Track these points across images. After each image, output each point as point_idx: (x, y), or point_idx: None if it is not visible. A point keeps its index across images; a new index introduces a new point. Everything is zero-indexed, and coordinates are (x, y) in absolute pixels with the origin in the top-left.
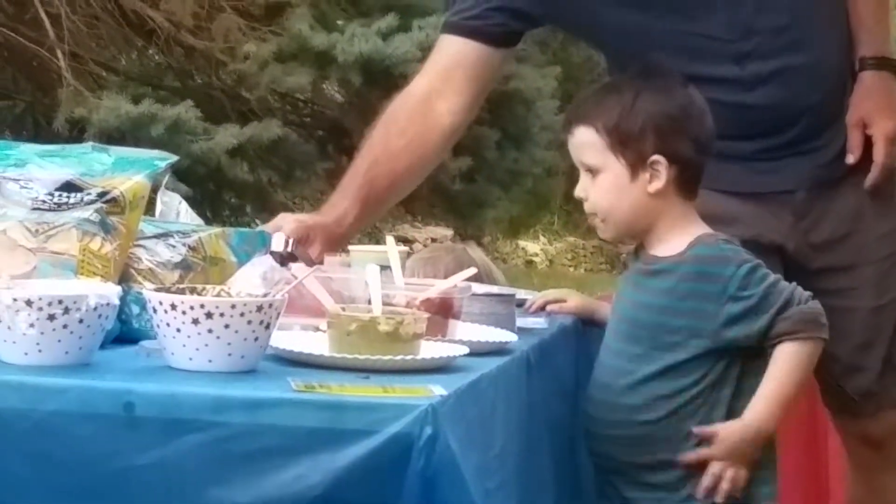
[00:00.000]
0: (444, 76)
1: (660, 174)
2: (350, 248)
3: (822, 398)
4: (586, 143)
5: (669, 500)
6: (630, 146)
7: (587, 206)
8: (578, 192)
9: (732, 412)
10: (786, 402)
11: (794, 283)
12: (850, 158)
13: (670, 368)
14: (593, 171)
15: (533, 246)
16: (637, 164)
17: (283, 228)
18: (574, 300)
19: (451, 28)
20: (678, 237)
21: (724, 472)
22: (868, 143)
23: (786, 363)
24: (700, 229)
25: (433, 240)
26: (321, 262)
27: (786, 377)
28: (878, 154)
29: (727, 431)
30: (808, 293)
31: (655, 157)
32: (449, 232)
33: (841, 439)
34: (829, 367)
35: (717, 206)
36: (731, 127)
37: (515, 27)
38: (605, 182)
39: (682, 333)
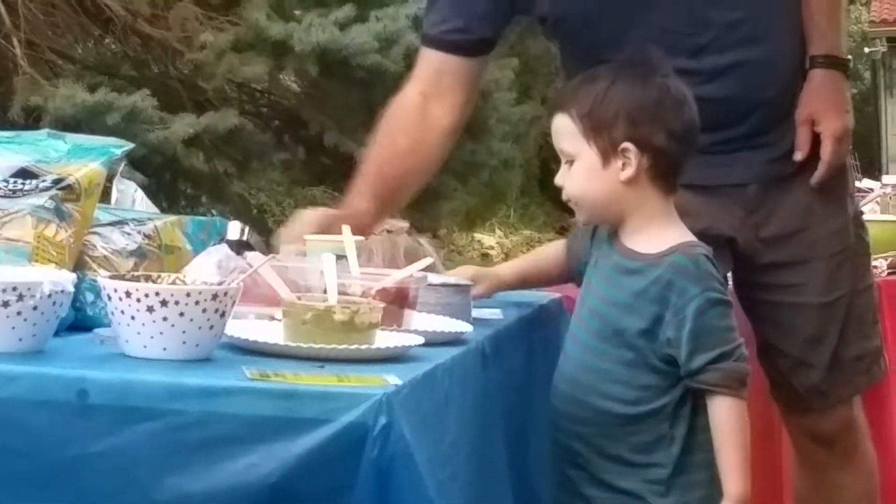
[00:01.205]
0: (434, 82)
1: (631, 162)
2: (306, 237)
3: (771, 394)
4: (562, 129)
5: None
6: (602, 133)
7: (564, 194)
8: (557, 179)
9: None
10: (748, 461)
11: (741, 340)
12: (798, 155)
13: (634, 367)
14: (569, 159)
15: (489, 238)
16: (608, 151)
17: (308, 220)
18: (478, 289)
19: (430, 42)
20: (656, 233)
21: None
22: (816, 141)
23: (731, 424)
24: (681, 233)
25: (388, 231)
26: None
27: (738, 440)
28: (825, 152)
29: None
30: (746, 353)
31: (626, 144)
32: (405, 224)
33: (790, 436)
34: (777, 363)
35: (677, 198)
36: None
37: (488, 34)
38: (579, 169)
39: (641, 335)
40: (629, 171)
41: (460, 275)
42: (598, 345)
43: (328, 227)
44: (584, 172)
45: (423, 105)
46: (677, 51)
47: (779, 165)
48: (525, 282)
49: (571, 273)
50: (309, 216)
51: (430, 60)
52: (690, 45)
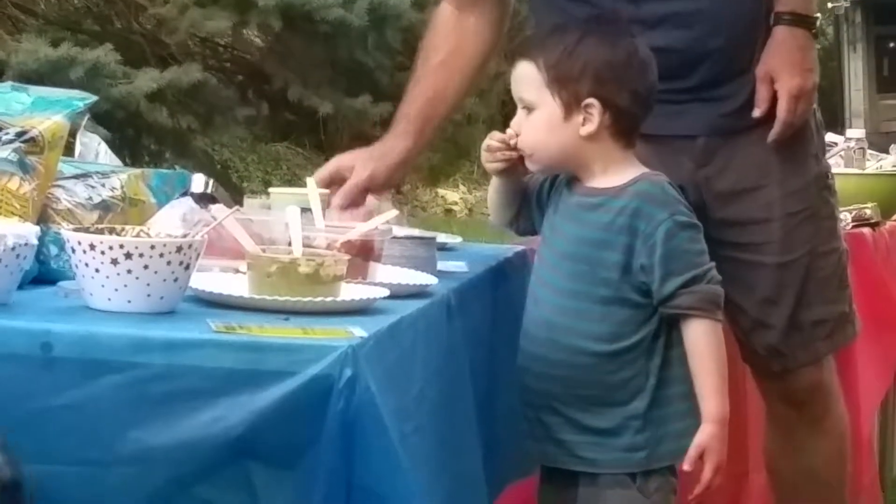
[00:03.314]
0: None
1: (593, 118)
2: (271, 190)
3: (740, 353)
4: (526, 77)
5: (604, 446)
6: (567, 86)
7: (518, 142)
8: (512, 125)
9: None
10: (725, 383)
11: (712, 263)
12: (756, 112)
13: (610, 304)
14: (529, 107)
15: (452, 194)
16: (571, 105)
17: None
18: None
19: None
20: (616, 174)
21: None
22: (776, 98)
23: (707, 347)
24: (641, 168)
25: None
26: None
27: (715, 363)
28: (781, 110)
29: (706, 440)
30: (719, 276)
31: (590, 100)
32: None
33: (763, 397)
34: (738, 320)
35: None
36: None
37: None
38: (539, 118)
39: (615, 269)
40: (590, 127)
41: None
42: (573, 285)
43: (366, 171)
44: (543, 123)
45: (457, 16)
46: None
47: (732, 120)
48: None
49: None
50: (344, 160)
51: None
52: None
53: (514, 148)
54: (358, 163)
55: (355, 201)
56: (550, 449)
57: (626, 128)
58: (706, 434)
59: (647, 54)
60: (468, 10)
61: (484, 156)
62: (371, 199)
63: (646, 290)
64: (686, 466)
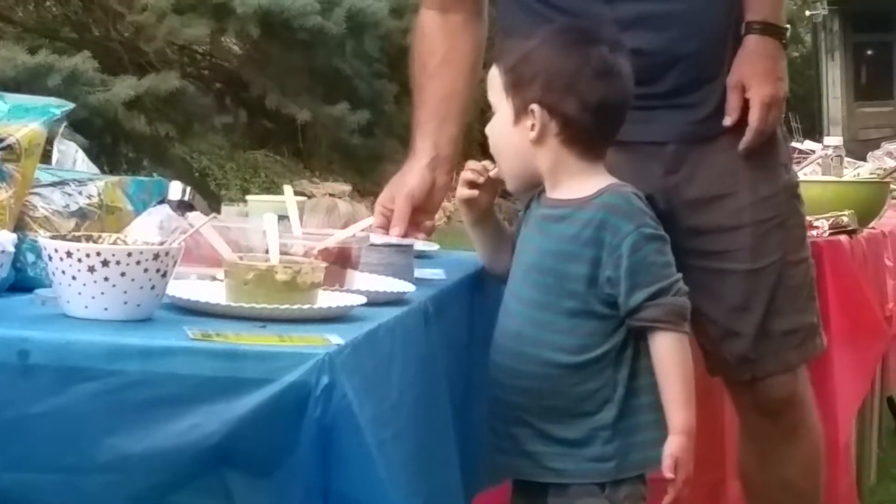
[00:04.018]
0: None
1: (536, 124)
2: (248, 197)
3: (705, 364)
4: (491, 81)
5: (573, 457)
6: (519, 90)
7: (490, 144)
8: (487, 128)
9: (634, 377)
10: (692, 395)
11: (679, 275)
12: (728, 120)
13: (577, 316)
14: (494, 110)
15: None
16: (521, 110)
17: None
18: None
19: None
20: (580, 183)
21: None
22: (746, 107)
23: (674, 359)
24: (607, 179)
25: (331, 195)
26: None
27: (682, 375)
28: (753, 118)
29: (677, 451)
30: (686, 288)
31: (533, 106)
32: (347, 187)
33: (736, 408)
34: (707, 330)
35: None
36: None
37: None
38: (497, 121)
39: (582, 281)
40: (535, 133)
41: None
42: (541, 297)
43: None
44: (500, 126)
45: (443, 18)
46: None
47: (702, 127)
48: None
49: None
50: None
51: None
52: None
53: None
54: (394, 190)
55: (413, 226)
56: (520, 462)
57: (576, 136)
58: (676, 445)
59: (605, 66)
60: (452, 11)
61: (458, 191)
62: (344, 205)
63: (612, 302)
64: (667, 473)
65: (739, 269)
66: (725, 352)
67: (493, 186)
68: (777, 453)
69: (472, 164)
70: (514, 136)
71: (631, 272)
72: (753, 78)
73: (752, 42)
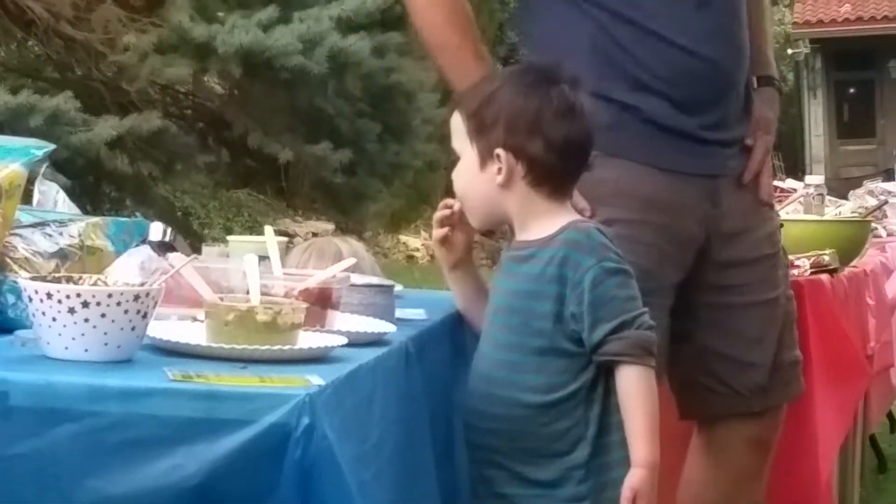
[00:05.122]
0: None
1: (503, 168)
2: (229, 238)
3: (681, 410)
4: (454, 126)
5: (548, 498)
6: (482, 135)
7: (455, 190)
8: (453, 174)
9: (606, 414)
10: (656, 429)
11: (644, 309)
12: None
13: (544, 354)
14: (459, 155)
15: (414, 241)
16: (486, 154)
17: None
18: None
19: None
20: (545, 224)
21: None
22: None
23: (638, 392)
24: (571, 215)
25: (314, 234)
26: None
27: (646, 408)
28: (756, 161)
29: (637, 484)
30: (651, 322)
31: (499, 150)
32: (330, 226)
33: (718, 448)
34: (714, 368)
35: (653, 184)
36: (682, 80)
37: None
38: (462, 167)
39: (548, 319)
40: (501, 177)
41: None
42: (508, 337)
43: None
44: (465, 172)
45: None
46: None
47: (737, 163)
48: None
49: None
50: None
51: None
52: None
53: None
54: None
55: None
56: (494, 503)
57: (543, 176)
58: (637, 478)
59: (566, 104)
60: None
61: (434, 233)
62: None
63: (578, 339)
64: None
65: (757, 301)
66: (740, 386)
67: (468, 225)
68: (749, 489)
69: (445, 202)
70: (480, 182)
71: (593, 307)
72: (768, 126)
73: (768, 93)
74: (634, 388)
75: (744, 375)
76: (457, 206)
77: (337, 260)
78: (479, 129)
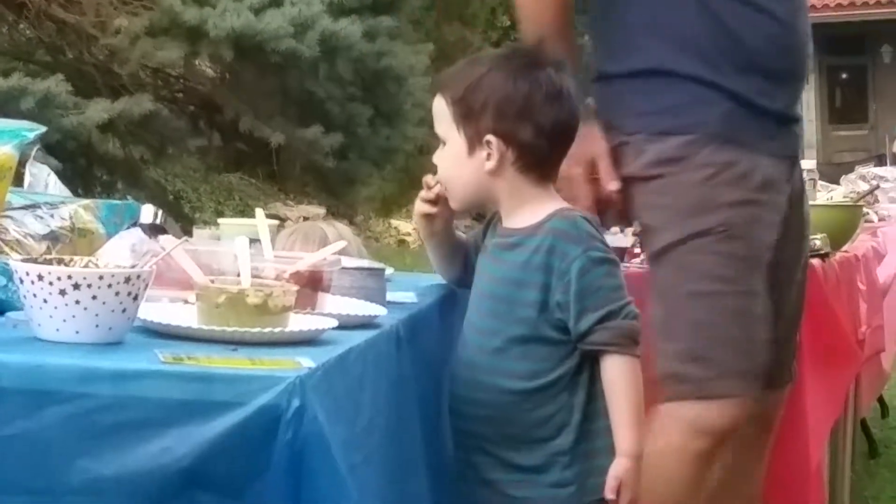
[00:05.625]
0: None
1: (494, 154)
2: (220, 220)
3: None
4: (438, 112)
5: (533, 483)
6: (470, 121)
7: (437, 175)
8: (434, 159)
9: (591, 401)
10: (642, 418)
11: (629, 298)
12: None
13: (528, 342)
14: (443, 142)
15: (405, 225)
16: (474, 141)
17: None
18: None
19: None
20: (532, 209)
21: None
22: None
23: (624, 382)
24: (558, 203)
25: (305, 218)
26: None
27: (631, 398)
28: None
29: (621, 473)
30: (637, 311)
31: (489, 136)
32: (321, 210)
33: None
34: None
35: (763, 168)
36: (778, 53)
37: None
38: (448, 153)
39: (533, 307)
40: (492, 164)
41: None
42: (492, 324)
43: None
44: (451, 158)
45: None
46: None
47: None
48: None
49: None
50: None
51: None
52: None
53: (434, 192)
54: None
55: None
56: (481, 490)
57: (533, 162)
58: (621, 467)
59: (555, 88)
60: None
61: (417, 206)
62: (331, 230)
63: (563, 327)
64: (608, 495)
65: (797, 278)
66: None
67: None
68: (748, 470)
69: (428, 179)
70: (468, 167)
71: (580, 296)
72: None
73: None
74: (620, 378)
75: (784, 350)
76: (437, 187)
77: (323, 244)
78: (467, 115)
